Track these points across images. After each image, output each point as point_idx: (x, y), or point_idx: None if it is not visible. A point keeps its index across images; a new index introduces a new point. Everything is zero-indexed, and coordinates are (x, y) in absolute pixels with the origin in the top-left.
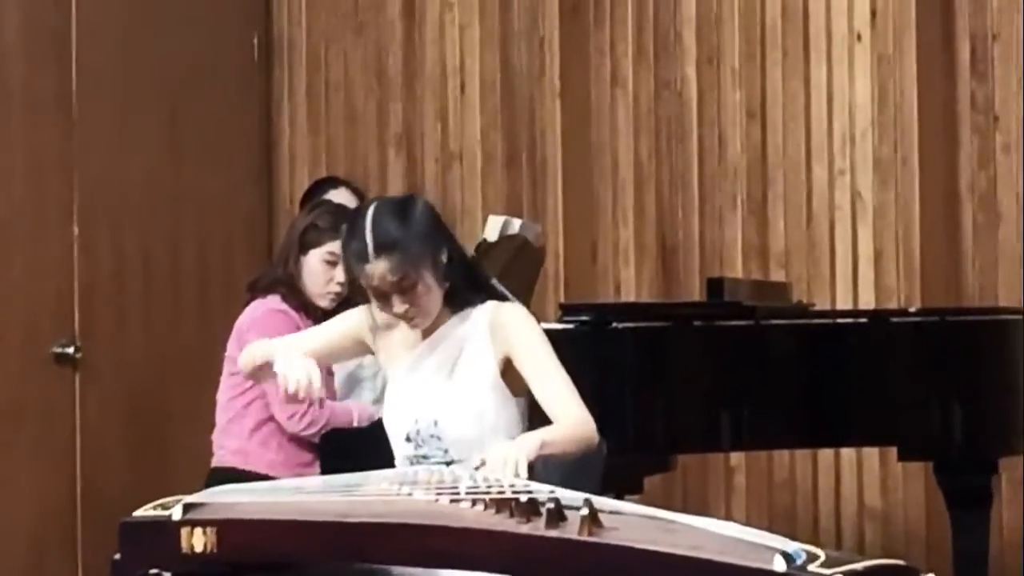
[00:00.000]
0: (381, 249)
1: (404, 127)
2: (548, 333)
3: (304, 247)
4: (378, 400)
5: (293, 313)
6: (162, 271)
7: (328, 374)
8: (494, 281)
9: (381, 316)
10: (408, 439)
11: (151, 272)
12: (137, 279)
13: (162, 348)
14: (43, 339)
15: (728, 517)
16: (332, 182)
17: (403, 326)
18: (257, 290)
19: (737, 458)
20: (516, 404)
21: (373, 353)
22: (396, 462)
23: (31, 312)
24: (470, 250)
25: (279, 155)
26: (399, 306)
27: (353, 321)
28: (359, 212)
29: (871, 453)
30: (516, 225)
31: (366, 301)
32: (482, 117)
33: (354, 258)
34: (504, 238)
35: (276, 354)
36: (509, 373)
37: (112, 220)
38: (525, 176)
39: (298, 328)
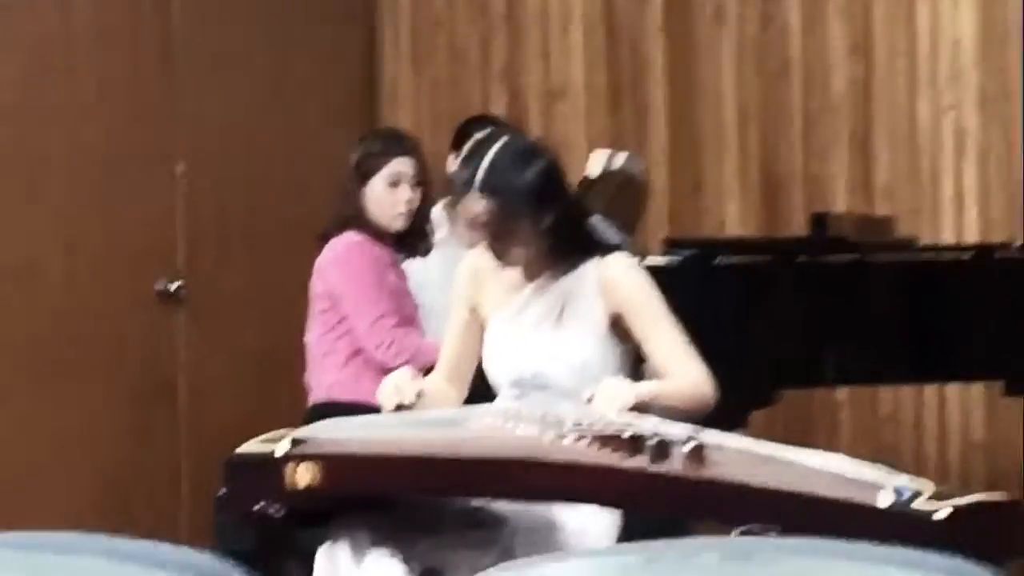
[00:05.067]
0: (486, 188)
1: (507, 63)
2: (651, 268)
3: (364, 176)
4: None
5: (370, 244)
6: (265, 209)
7: (415, 307)
8: (601, 224)
9: (484, 261)
10: (512, 385)
11: (254, 210)
12: (240, 217)
13: (265, 285)
14: (147, 277)
15: (833, 452)
16: (481, 121)
17: (508, 269)
18: (329, 235)
19: (841, 393)
20: (622, 354)
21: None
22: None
23: (135, 250)
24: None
25: (382, 92)
26: (484, 242)
27: (460, 293)
28: (486, 140)
29: (976, 388)
30: (620, 160)
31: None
32: (585, 54)
33: (461, 182)
34: (607, 173)
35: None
36: (618, 327)
37: (216, 158)
38: (628, 113)
39: (378, 258)
